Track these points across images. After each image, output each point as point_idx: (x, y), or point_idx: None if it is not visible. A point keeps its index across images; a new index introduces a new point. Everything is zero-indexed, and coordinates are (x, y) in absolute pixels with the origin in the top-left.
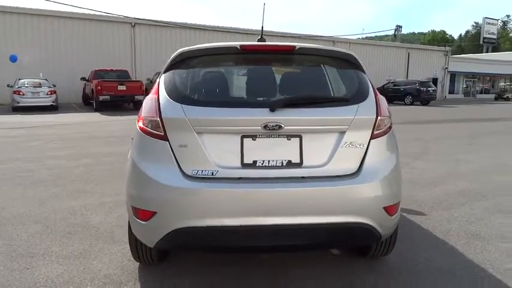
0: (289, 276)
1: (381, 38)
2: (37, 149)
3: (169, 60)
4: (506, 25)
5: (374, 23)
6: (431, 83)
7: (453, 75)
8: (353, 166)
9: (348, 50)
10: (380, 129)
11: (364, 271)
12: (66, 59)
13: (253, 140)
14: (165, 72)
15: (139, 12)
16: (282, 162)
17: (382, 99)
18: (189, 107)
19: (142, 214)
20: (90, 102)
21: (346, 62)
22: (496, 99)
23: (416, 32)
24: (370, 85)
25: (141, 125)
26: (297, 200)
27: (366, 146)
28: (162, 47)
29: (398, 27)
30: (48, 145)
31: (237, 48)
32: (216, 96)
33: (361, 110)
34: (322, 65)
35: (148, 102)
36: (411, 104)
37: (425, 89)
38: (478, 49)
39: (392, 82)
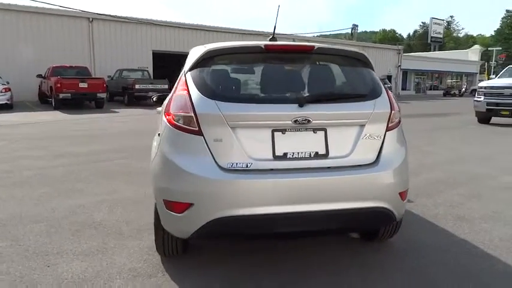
0: (310, 261)
1: (335, 36)
2: (5, 150)
3: (194, 58)
4: (450, 25)
5: (328, 21)
6: (387, 79)
7: (405, 73)
8: (372, 156)
9: (360, 50)
10: (393, 122)
11: (373, 252)
12: (20, 55)
13: (282, 133)
14: (191, 69)
15: (97, 7)
16: (310, 153)
17: (392, 96)
18: (223, 103)
19: (178, 206)
20: (47, 100)
21: (358, 61)
22: (444, 95)
23: (368, 30)
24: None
25: (173, 121)
26: (325, 188)
27: (382, 137)
28: (122, 43)
29: (355, 26)
30: (15, 145)
31: (261, 47)
32: (246, 92)
33: (378, 105)
34: (338, 64)
35: (178, 98)
36: None
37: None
38: (426, 48)
39: None
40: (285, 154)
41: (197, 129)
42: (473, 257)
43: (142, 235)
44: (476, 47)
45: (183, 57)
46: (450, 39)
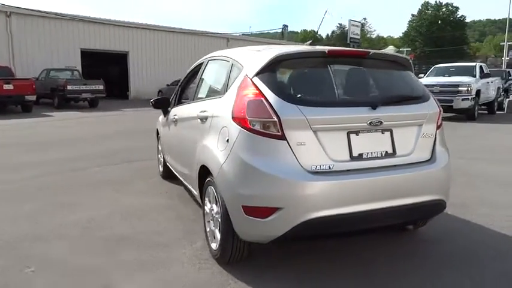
0: (356, 253)
1: (263, 36)
2: None
3: (261, 62)
4: (364, 27)
5: (249, 20)
6: None
7: None
8: (428, 154)
9: (402, 55)
10: (440, 122)
11: (408, 239)
12: None
13: (356, 135)
14: (258, 74)
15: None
16: (381, 153)
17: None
18: (305, 107)
19: (263, 211)
20: None
21: (403, 65)
22: None
23: (289, 30)
24: None
25: (251, 126)
26: (396, 185)
27: (434, 136)
28: (46, 41)
29: (285, 27)
30: None
31: (324, 52)
32: (323, 96)
33: (430, 106)
34: (388, 68)
35: (254, 103)
36: None
37: None
38: (346, 47)
39: None
40: (360, 155)
41: (280, 133)
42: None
43: (182, 244)
44: (391, 47)
45: (114, 56)
46: (364, 40)
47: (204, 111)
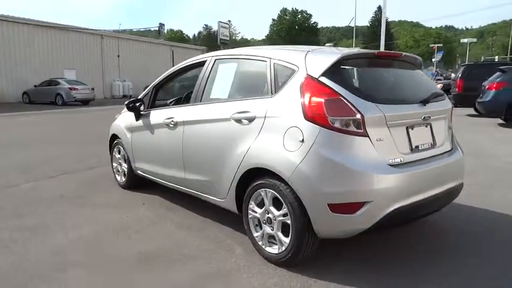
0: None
1: (140, 33)
2: None
3: (326, 63)
4: (229, 29)
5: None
6: None
7: None
8: (450, 144)
9: (413, 55)
10: (451, 115)
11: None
12: None
13: (412, 129)
14: (324, 74)
15: None
16: (428, 144)
17: None
18: (381, 105)
19: (351, 207)
20: None
21: (419, 66)
22: None
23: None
24: None
25: (332, 124)
26: (443, 172)
27: (451, 128)
28: None
29: (161, 25)
30: None
31: (375, 54)
32: (388, 94)
33: (448, 102)
34: (412, 68)
35: (333, 102)
36: None
37: None
38: (216, 49)
39: None
40: (417, 147)
41: (362, 130)
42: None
43: (223, 253)
44: None
45: None
46: (230, 41)
47: (246, 112)
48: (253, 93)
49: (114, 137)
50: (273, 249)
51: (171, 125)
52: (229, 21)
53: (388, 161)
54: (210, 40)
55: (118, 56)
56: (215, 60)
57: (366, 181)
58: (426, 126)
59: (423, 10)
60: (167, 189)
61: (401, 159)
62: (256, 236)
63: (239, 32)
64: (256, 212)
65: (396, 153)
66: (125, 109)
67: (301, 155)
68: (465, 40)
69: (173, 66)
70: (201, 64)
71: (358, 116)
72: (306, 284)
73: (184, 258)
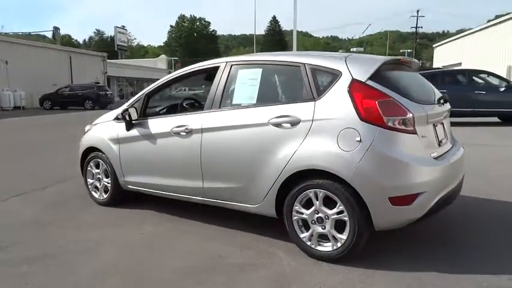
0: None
1: (29, 38)
2: None
3: (372, 67)
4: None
5: None
6: (107, 86)
7: (108, 80)
8: (451, 140)
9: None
10: None
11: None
12: None
13: (435, 126)
14: (371, 78)
15: None
16: (445, 140)
17: None
18: (424, 105)
19: (408, 199)
20: None
21: (418, 70)
22: None
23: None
24: None
25: (388, 124)
26: (460, 164)
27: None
28: None
29: (56, 29)
30: None
31: (399, 60)
32: (421, 95)
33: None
34: (417, 72)
35: (387, 104)
36: (92, 108)
37: (103, 92)
38: (114, 55)
39: (67, 87)
40: (440, 142)
41: (412, 129)
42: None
43: (271, 258)
44: (163, 56)
45: None
46: (129, 48)
47: (287, 116)
48: (289, 98)
49: (89, 150)
50: (325, 248)
51: (182, 134)
52: (123, 26)
53: (431, 155)
54: (103, 46)
55: (6, 62)
56: (231, 65)
57: (420, 174)
58: (441, 124)
59: (311, 21)
60: (152, 202)
61: (437, 153)
62: (303, 237)
63: (135, 38)
64: (302, 214)
65: (433, 148)
66: (102, 119)
67: (360, 153)
68: (354, 49)
69: (71, 73)
70: (210, 70)
71: (410, 115)
72: (368, 273)
73: (242, 266)
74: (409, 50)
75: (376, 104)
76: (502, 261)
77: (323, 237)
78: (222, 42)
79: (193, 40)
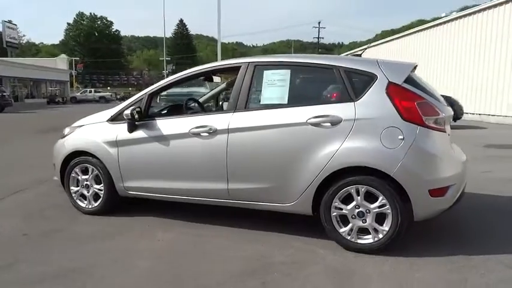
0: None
1: None
2: None
3: (406, 71)
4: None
5: None
6: (3, 87)
7: (1, 79)
8: None
9: None
10: None
11: None
12: None
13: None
14: (406, 81)
15: None
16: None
17: None
18: (443, 107)
19: (443, 190)
20: None
21: None
22: (48, 103)
23: None
24: None
25: (426, 123)
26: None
27: None
28: None
29: None
30: None
31: (417, 65)
32: (439, 98)
33: None
34: None
35: (424, 105)
36: None
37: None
38: (3, 53)
39: None
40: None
41: (443, 127)
42: None
43: (314, 250)
44: (64, 56)
45: None
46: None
47: (326, 116)
48: (324, 98)
49: (74, 155)
50: (366, 240)
51: (204, 134)
52: (9, 21)
53: (452, 150)
54: None
55: None
56: (255, 66)
57: (451, 168)
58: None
59: (216, 27)
60: (141, 208)
61: (453, 151)
62: (343, 232)
63: (24, 35)
64: (341, 209)
65: (451, 144)
66: (89, 121)
67: (403, 151)
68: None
69: None
70: (228, 70)
71: (442, 115)
72: (410, 260)
73: (291, 264)
74: None
75: (416, 105)
76: None
77: (361, 231)
78: (124, 43)
79: (94, 40)
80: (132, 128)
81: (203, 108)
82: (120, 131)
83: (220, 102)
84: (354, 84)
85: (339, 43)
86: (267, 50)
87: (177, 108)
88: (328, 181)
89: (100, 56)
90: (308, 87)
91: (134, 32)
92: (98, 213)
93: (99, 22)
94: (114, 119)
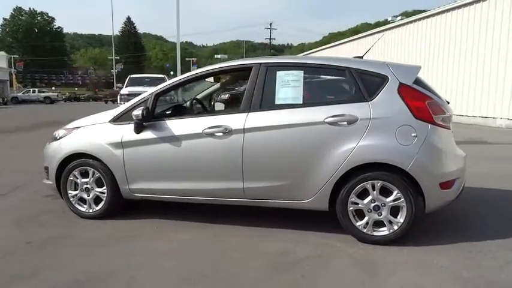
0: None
1: None
2: None
3: (415, 73)
4: None
5: None
6: None
7: None
8: None
9: None
10: None
11: None
12: None
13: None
14: (416, 82)
15: None
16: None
17: None
18: (447, 106)
19: (451, 183)
20: None
21: None
22: None
23: None
24: None
25: (436, 121)
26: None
27: None
28: None
29: None
30: None
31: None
32: (442, 97)
33: None
34: None
35: (434, 104)
36: None
37: None
38: None
39: None
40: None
41: (449, 125)
42: None
43: (332, 244)
44: (3, 53)
45: None
46: None
47: (342, 115)
48: (338, 98)
49: (72, 157)
50: (381, 232)
51: (218, 134)
52: None
53: (456, 147)
54: None
55: None
56: (267, 67)
57: (456, 162)
58: None
59: (165, 26)
60: (144, 210)
61: (456, 146)
62: (359, 225)
63: None
64: (357, 204)
65: (454, 141)
66: (88, 122)
67: (417, 147)
68: (219, 56)
69: None
70: (239, 70)
71: (448, 113)
72: (424, 249)
73: (316, 259)
74: None
75: (426, 104)
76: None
77: (376, 224)
78: (66, 41)
79: (34, 37)
80: (139, 129)
81: (206, 109)
82: (126, 132)
83: (212, 103)
84: (367, 84)
85: (288, 44)
86: (217, 49)
87: (182, 109)
88: (345, 178)
89: (41, 54)
90: (322, 88)
91: (77, 29)
92: (98, 217)
93: (39, 18)
94: (118, 119)
